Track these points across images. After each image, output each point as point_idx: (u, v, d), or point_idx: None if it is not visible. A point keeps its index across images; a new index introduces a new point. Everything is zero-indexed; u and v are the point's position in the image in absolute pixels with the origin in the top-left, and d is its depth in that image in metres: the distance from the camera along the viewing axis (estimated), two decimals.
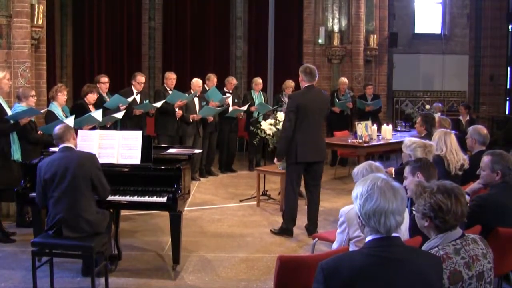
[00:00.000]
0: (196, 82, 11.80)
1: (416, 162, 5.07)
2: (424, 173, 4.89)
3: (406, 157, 6.15)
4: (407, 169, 5.03)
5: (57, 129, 5.95)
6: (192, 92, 11.64)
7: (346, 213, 4.68)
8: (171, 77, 11.57)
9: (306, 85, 7.84)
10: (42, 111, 8.51)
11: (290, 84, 12.80)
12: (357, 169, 4.81)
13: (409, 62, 17.26)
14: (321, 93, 8.13)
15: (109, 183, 6.15)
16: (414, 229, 4.23)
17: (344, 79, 13.81)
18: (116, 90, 10.66)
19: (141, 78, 10.81)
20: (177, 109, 11.22)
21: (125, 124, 10.21)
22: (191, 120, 11.46)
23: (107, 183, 5.92)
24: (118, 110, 9.74)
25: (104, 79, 10.27)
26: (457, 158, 6.67)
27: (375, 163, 4.81)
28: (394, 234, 2.96)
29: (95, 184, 5.77)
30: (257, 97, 12.77)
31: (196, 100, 11.71)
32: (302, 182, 8.23)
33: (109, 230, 6.18)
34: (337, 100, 13.45)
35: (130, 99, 10.29)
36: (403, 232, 4.37)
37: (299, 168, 7.89)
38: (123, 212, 7.68)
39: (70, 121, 7.97)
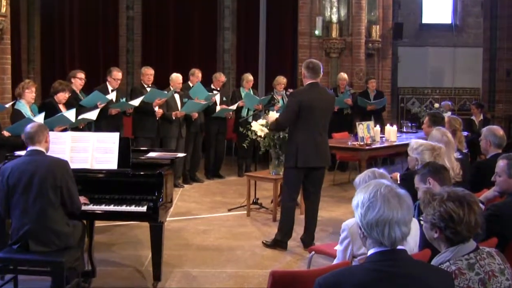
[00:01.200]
0: (176, 78, 11.76)
1: (424, 167, 5.06)
2: (435, 178, 4.87)
3: (412, 161, 6.14)
4: (417, 179, 5.01)
5: (30, 127, 5.84)
6: (171, 89, 11.61)
7: (350, 227, 4.62)
8: (148, 73, 11.52)
9: (310, 82, 7.78)
10: (6, 105, 8.46)
11: (281, 80, 12.79)
12: (359, 178, 4.77)
13: (415, 56, 17.32)
14: (326, 92, 8.11)
15: (83, 191, 6.11)
16: (423, 241, 4.20)
17: (343, 75, 13.82)
18: (90, 87, 10.61)
19: (117, 74, 10.79)
20: (156, 108, 11.19)
21: (100, 125, 10.17)
22: (173, 118, 11.44)
23: (78, 197, 5.85)
24: (93, 109, 9.69)
25: (81, 74, 10.24)
26: (451, 164, 6.59)
27: (379, 170, 4.76)
28: (399, 247, 2.95)
29: (64, 196, 5.66)
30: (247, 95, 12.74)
31: (177, 96, 11.70)
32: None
33: (82, 243, 6.14)
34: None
35: (109, 97, 10.26)
36: (411, 246, 4.34)
37: (299, 174, 7.86)
38: (98, 223, 7.63)
39: (40, 119, 7.93)
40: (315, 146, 7.73)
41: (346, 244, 4.66)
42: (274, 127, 8.19)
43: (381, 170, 4.77)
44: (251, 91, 12.86)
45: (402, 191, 3.00)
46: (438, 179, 4.87)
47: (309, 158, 7.71)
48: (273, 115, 9.43)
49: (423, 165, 5.18)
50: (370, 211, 2.93)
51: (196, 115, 11.86)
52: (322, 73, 7.95)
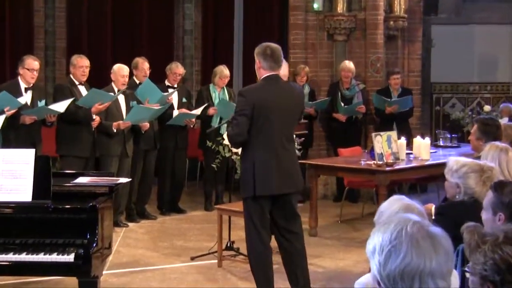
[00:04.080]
0: (119, 70, 11.69)
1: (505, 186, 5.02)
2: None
3: (452, 188, 6.13)
4: (487, 201, 4.97)
5: None
6: (114, 87, 11.56)
7: None
8: (82, 64, 11.38)
9: (266, 75, 7.88)
10: None
11: None
12: (384, 208, 4.65)
13: (457, 38, 17.35)
14: (290, 87, 8.20)
15: None
16: None
17: (348, 64, 13.67)
18: None
19: (32, 63, 10.66)
20: (94, 116, 11.07)
21: (8, 138, 10.13)
22: (114, 130, 11.39)
23: None
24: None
25: None
26: None
27: (417, 205, 4.60)
28: None
29: None
30: (220, 95, 12.72)
31: (121, 99, 11.65)
32: None
33: None
34: (342, 104, 13.35)
35: (22, 100, 10.20)
36: None
37: (262, 205, 7.86)
38: (3, 280, 7.61)
39: None
40: (279, 166, 7.77)
41: None
42: (233, 145, 8.19)
43: (418, 206, 4.59)
44: (226, 90, 12.85)
45: (437, 230, 2.97)
46: None
47: (270, 182, 7.75)
48: None
49: (501, 183, 5.14)
50: (392, 258, 2.91)
51: (147, 125, 11.80)
52: (283, 62, 8.02)
